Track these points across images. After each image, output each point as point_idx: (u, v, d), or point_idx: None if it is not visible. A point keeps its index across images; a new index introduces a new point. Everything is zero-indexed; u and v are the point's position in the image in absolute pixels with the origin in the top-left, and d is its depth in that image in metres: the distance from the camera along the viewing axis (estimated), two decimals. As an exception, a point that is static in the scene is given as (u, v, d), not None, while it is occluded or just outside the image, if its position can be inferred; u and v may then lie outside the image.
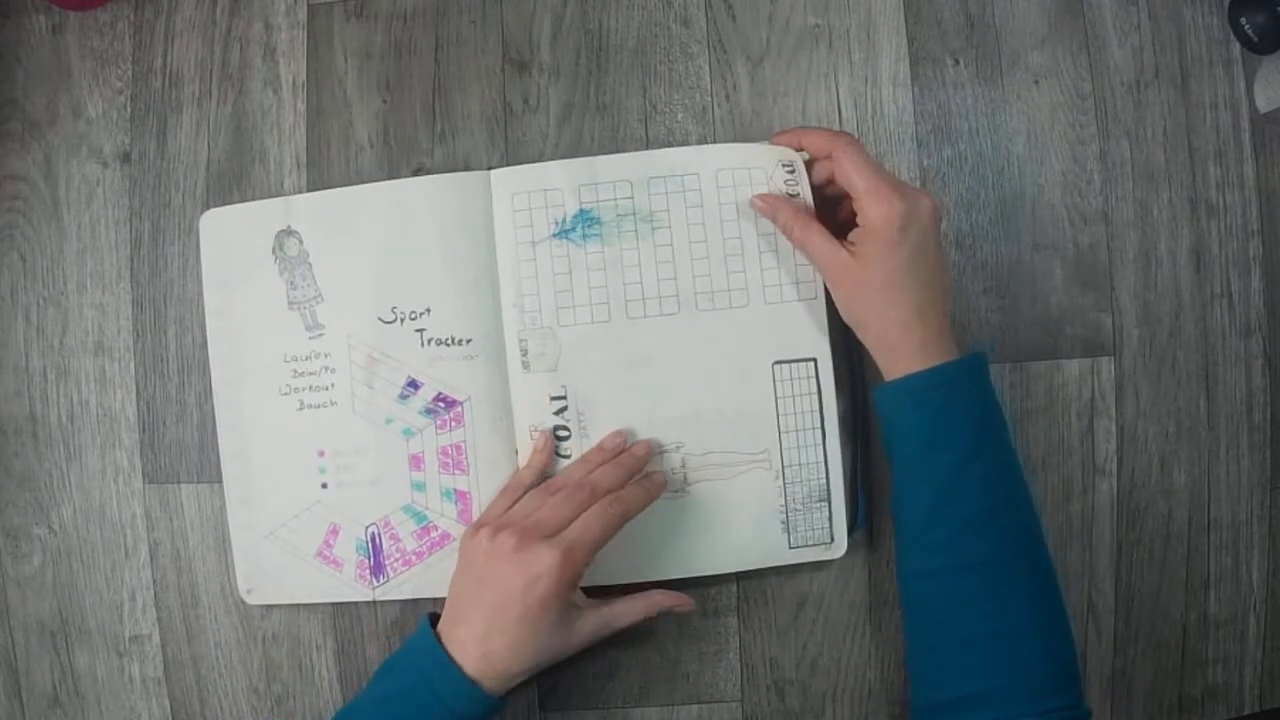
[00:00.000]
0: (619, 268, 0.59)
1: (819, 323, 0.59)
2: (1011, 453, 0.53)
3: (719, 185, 0.59)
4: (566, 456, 0.59)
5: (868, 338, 0.55)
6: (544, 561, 0.50)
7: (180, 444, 0.63)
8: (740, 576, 0.61)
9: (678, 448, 0.59)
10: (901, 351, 0.53)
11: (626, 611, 0.55)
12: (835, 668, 0.62)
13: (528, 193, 0.59)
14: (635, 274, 0.59)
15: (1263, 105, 0.62)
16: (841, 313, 0.56)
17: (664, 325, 0.59)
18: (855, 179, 0.53)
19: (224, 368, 0.61)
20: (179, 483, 0.63)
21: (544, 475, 0.58)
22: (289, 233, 0.60)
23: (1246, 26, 0.61)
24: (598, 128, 0.62)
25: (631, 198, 0.59)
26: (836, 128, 0.61)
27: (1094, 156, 0.62)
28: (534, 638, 0.51)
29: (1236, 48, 0.62)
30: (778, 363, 0.59)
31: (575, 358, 0.59)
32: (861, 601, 0.61)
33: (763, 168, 0.58)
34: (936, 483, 0.51)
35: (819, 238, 0.55)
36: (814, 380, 0.59)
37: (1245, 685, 0.62)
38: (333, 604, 0.62)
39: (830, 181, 0.56)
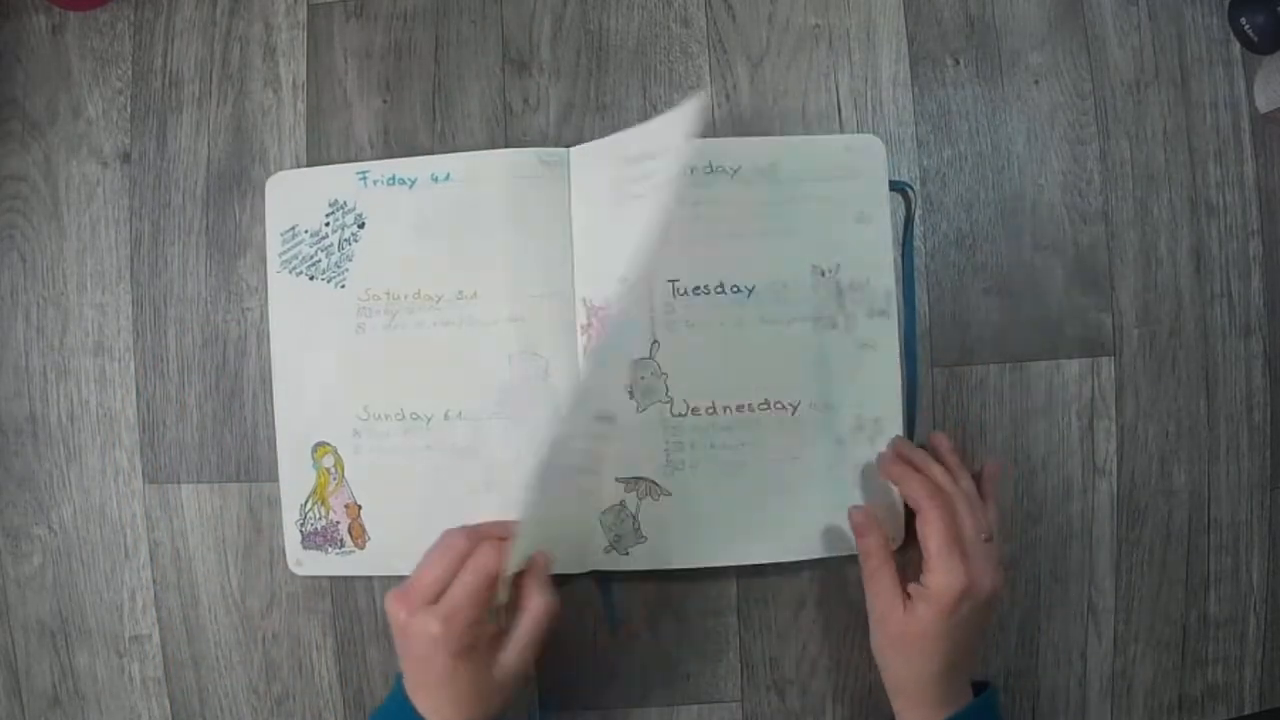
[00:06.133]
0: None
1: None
2: None
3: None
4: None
5: (886, 679, 0.55)
6: (430, 632, 0.50)
7: (180, 444, 0.63)
8: (740, 576, 0.61)
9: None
10: (915, 702, 0.54)
11: (528, 631, 0.52)
12: (835, 668, 0.62)
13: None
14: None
15: (1263, 105, 0.62)
16: (873, 646, 0.56)
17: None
18: (930, 541, 0.54)
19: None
20: (179, 483, 0.63)
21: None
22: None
23: (1246, 26, 0.61)
24: (598, 127, 0.62)
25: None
26: (942, 472, 0.56)
27: (1094, 156, 0.62)
28: (463, 690, 0.51)
29: (1236, 48, 0.62)
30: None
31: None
32: (861, 602, 0.61)
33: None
34: None
35: (887, 582, 0.55)
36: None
37: (1245, 685, 0.62)
38: (334, 604, 0.62)
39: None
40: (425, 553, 0.53)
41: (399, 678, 0.53)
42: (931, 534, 0.53)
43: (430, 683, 0.51)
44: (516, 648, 0.53)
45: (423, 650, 0.50)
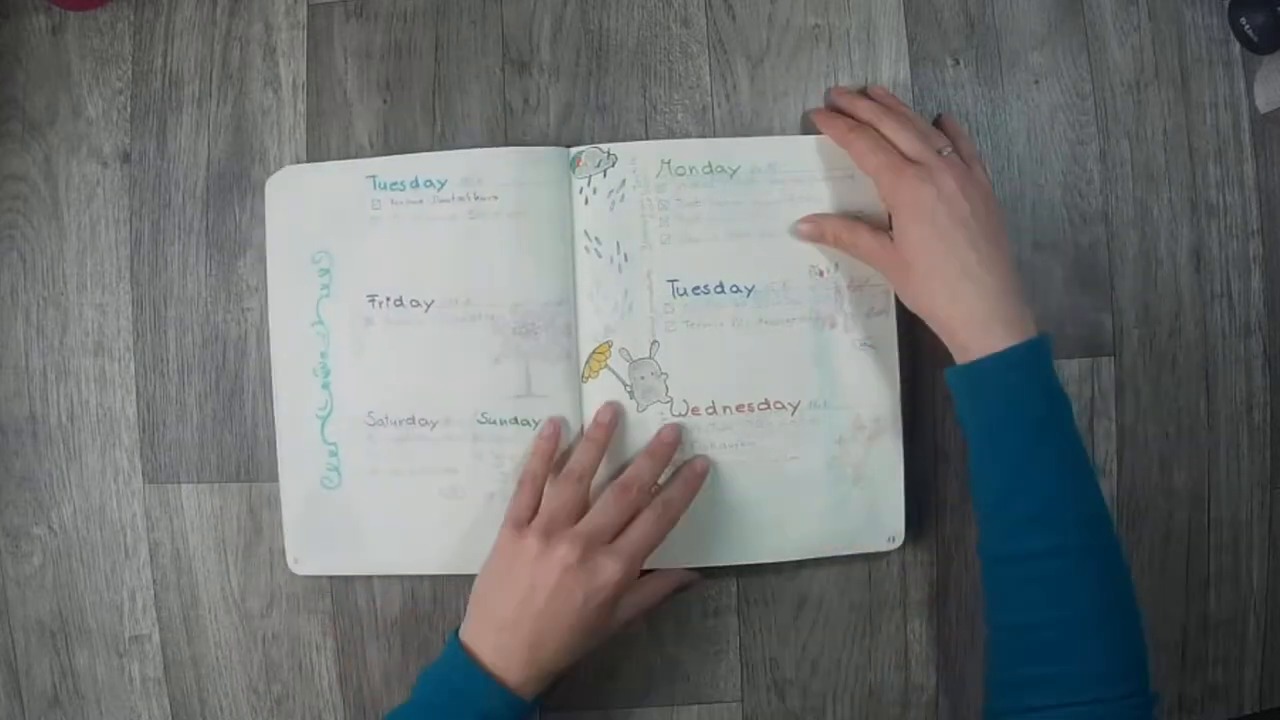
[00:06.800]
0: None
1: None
2: (1077, 439, 0.52)
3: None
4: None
5: (932, 324, 0.54)
6: (608, 574, 0.51)
7: (180, 444, 0.63)
8: (740, 576, 0.61)
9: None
10: (961, 333, 0.52)
11: (655, 590, 0.56)
12: (835, 668, 0.62)
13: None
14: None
15: (1263, 105, 0.62)
16: (907, 306, 0.56)
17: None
18: (867, 164, 0.54)
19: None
20: (179, 483, 0.63)
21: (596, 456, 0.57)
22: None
23: (1246, 26, 0.61)
24: (598, 128, 0.62)
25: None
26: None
27: (1094, 156, 0.62)
28: (585, 641, 0.52)
29: (1236, 48, 0.62)
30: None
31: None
32: (861, 601, 0.61)
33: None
34: (1004, 470, 0.51)
35: (865, 235, 0.56)
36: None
37: (1245, 685, 0.62)
38: (334, 604, 0.62)
39: None
40: (547, 488, 0.55)
41: (454, 639, 0.53)
42: (865, 157, 0.55)
43: (563, 631, 0.51)
44: (637, 601, 0.54)
45: (583, 595, 0.50)
